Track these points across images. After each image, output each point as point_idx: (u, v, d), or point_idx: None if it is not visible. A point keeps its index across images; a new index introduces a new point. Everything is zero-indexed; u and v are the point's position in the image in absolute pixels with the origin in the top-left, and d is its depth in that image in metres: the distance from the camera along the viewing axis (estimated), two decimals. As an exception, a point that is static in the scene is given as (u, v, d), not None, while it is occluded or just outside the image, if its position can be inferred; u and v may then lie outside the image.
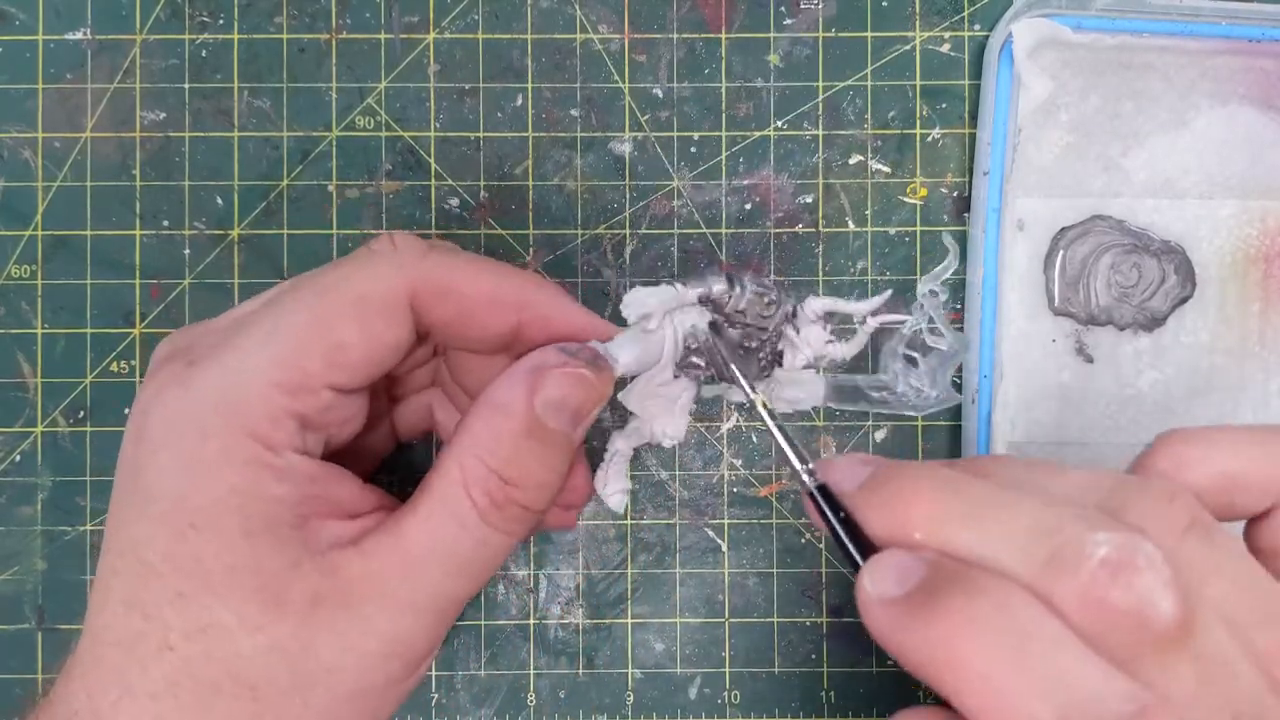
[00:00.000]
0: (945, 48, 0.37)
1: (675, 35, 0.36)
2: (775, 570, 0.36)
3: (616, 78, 0.36)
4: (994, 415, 0.35)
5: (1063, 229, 0.36)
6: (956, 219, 0.37)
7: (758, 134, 0.36)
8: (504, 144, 0.36)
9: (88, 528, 0.36)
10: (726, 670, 0.36)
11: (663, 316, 0.29)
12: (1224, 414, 0.36)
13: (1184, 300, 0.36)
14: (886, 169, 0.36)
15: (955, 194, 0.37)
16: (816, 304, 0.32)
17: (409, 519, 0.25)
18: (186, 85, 0.36)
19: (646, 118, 0.36)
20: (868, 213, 0.36)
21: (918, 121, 0.36)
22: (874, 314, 0.34)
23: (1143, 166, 0.36)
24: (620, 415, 0.36)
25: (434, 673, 0.36)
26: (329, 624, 0.24)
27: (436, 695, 0.36)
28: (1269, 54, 0.35)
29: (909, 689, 0.36)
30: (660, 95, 0.36)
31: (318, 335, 0.25)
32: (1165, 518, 0.21)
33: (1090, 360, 0.36)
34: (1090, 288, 0.36)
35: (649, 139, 0.36)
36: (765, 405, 0.27)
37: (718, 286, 0.30)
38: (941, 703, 0.21)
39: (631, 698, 0.36)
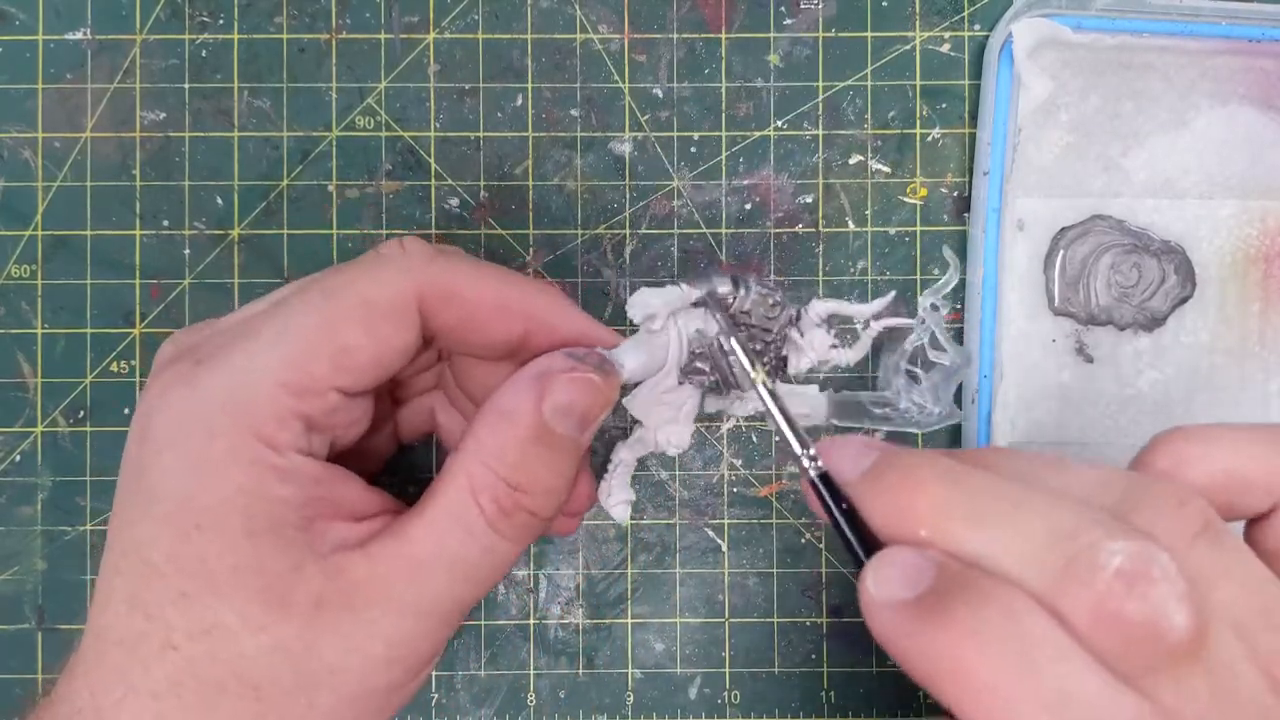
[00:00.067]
0: (945, 48, 0.37)
1: (675, 35, 0.36)
2: (775, 570, 0.36)
3: (616, 78, 0.36)
4: (994, 415, 0.35)
5: (1063, 229, 0.36)
6: (956, 219, 0.37)
7: (758, 134, 0.36)
8: (504, 144, 0.36)
9: (88, 528, 0.36)
10: (726, 670, 0.36)
11: (667, 317, 0.29)
12: (1224, 414, 0.36)
13: (1184, 300, 0.36)
14: (886, 169, 0.36)
15: (955, 194, 0.37)
16: (820, 307, 0.32)
17: (415, 524, 0.25)
18: (186, 85, 0.36)
19: (646, 118, 0.36)
20: (868, 213, 0.36)
21: (918, 121, 0.36)
22: (877, 317, 0.34)
23: (1143, 166, 0.36)
24: (621, 420, 0.36)
25: (434, 673, 0.36)
26: (333, 626, 0.24)
27: (436, 695, 0.36)
28: (1269, 54, 0.35)
29: (909, 690, 0.36)
30: (660, 95, 0.36)
31: (325, 338, 0.25)
32: (1177, 522, 0.20)
33: (1090, 360, 0.36)
34: (1090, 288, 0.36)
35: (649, 139, 0.36)
36: (765, 384, 0.26)
37: (723, 288, 0.30)
38: (942, 710, 0.20)
39: (631, 698, 0.36)
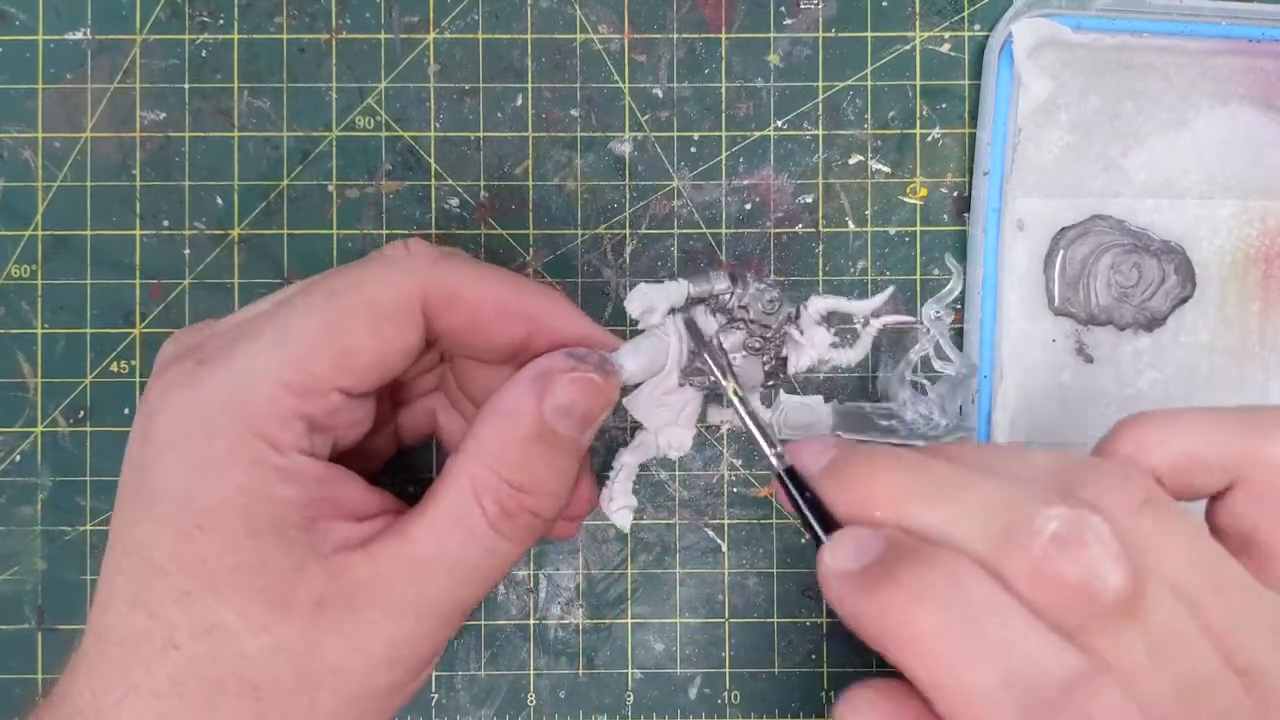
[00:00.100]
0: (945, 48, 0.37)
1: (675, 35, 0.36)
2: (775, 570, 0.36)
3: (616, 78, 0.36)
4: (994, 415, 0.35)
5: (1063, 229, 0.36)
6: (956, 219, 0.37)
7: (758, 134, 0.36)
8: (504, 144, 0.36)
9: (88, 528, 0.36)
10: (726, 670, 0.36)
11: (666, 311, 0.29)
12: (1224, 414, 0.36)
13: (1184, 300, 0.36)
14: (886, 169, 0.36)
15: (955, 194, 0.37)
16: (819, 304, 0.32)
17: (417, 524, 0.25)
18: (186, 85, 0.36)
19: (646, 118, 0.36)
20: (868, 213, 0.36)
21: (918, 121, 0.36)
22: (876, 314, 0.34)
23: (1143, 166, 0.36)
24: (621, 422, 0.36)
25: (434, 673, 0.36)
26: (334, 626, 0.24)
27: (436, 695, 0.36)
28: (1269, 54, 0.35)
29: (909, 689, 0.36)
30: (660, 95, 0.36)
31: (328, 338, 0.25)
32: (1120, 495, 0.22)
33: (1090, 360, 0.36)
34: (1090, 288, 0.36)
35: (649, 139, 0.36)
36: (736, 392, 0.28)
37: (720, 284, 0.30)
38: (896, 675, 0.21)
39: (631, 698, 0.36)
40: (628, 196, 0.36)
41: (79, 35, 0.36)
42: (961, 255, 0.36)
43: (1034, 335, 0.36)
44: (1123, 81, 0.36)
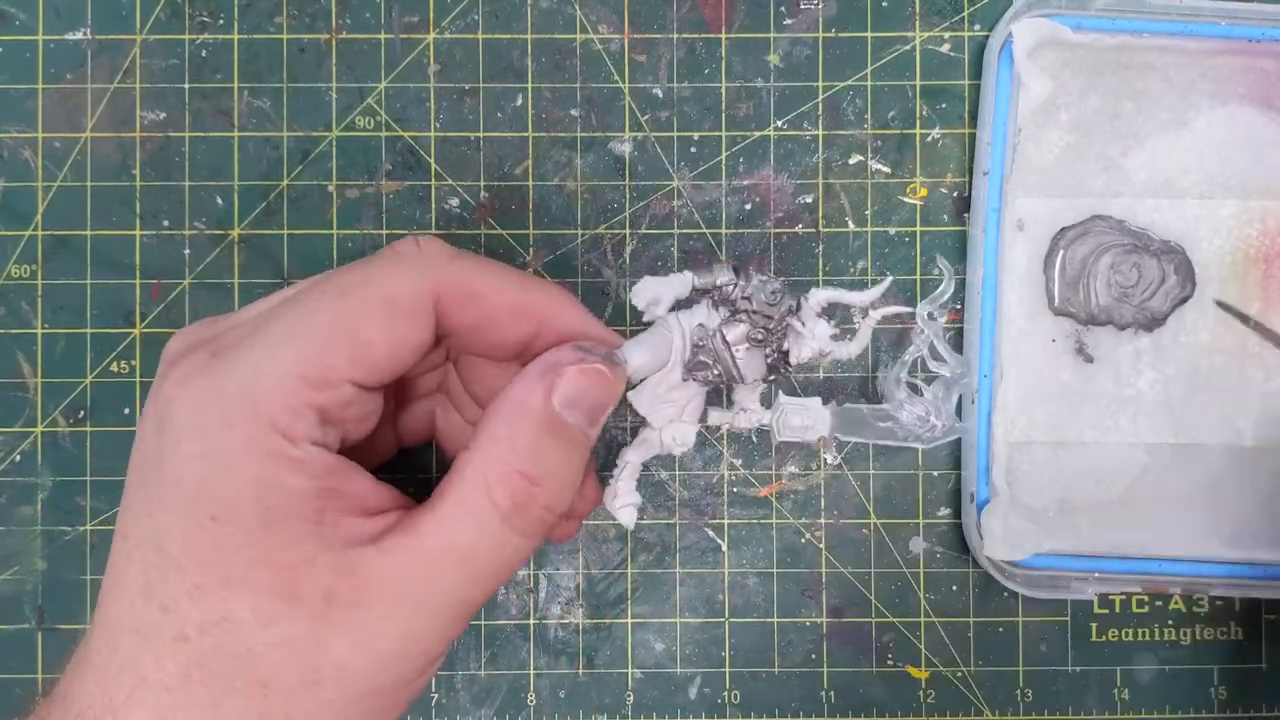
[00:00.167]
0: (945, 48, 0.37)
1: (675, 35, 0.36)
2: (775, 570, 0.36)
3: (616, 78, 0.36)
4: (994, 415, 0.35)
5: (1063, 229, 0.36)
6: (956, 219, 0.37)
7: (758, 134, 0.36)
8: (504, 144, 0.36)
9: (88, 528, 0.36)
10: (726, 670, 0.36)
11: (671, 303, 0.30)
12: (1224, 414, 0.36)
13: (1184, 300, 0.36)
14: (886, 169, 0.36)
15: (955, 194, 0.37)
16: (820, 295, 0.32)
17: (427, 519, 0.25)
18: (186, 85, 0.36)
19: (646, 118, 0.36)
20: (868, 213, 0.36)
21: (918, 121, 0.36)
22: (874, 306, 0.34)
23: (1143, 166, 0.36)
24: (621, 422, 0.36)
25: (434, 672, 0.36)
26: (343, 621, 0.24)
27: (436, 695, 0.36)
28: (1269, 54, 0.35)
29: (909, 690, 0.36)
30: (660, 95, 0.36)
31: (344, 331, 0.25)
32: None
33: (1090, 360, 0.36)
34: (1090, 288, 0.36)
35: (649, 139, 0.36)
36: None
37: (724, 276, 0.30)
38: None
39: (631, 698, 0.36)
40: (628, 196, 0.36)
41: (79, 35, 0.36)
42: (962, 255, 0.36)
43: (1034, 335, 0.36)
44: (1123, 81, 0.36)
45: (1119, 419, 0.36)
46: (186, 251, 0.36)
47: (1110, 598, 0.36)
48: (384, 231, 0.36)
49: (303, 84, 0.36)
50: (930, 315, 0.34)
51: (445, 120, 0.36)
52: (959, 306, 0.36)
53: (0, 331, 0.36)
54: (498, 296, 0.27)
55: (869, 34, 0.36)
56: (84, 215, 0.36)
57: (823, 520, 0.36)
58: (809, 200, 0.36)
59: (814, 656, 0.36)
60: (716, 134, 0.36)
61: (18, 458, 0.36)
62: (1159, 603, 0.36)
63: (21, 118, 0.36)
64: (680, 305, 0.30)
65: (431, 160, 0.36)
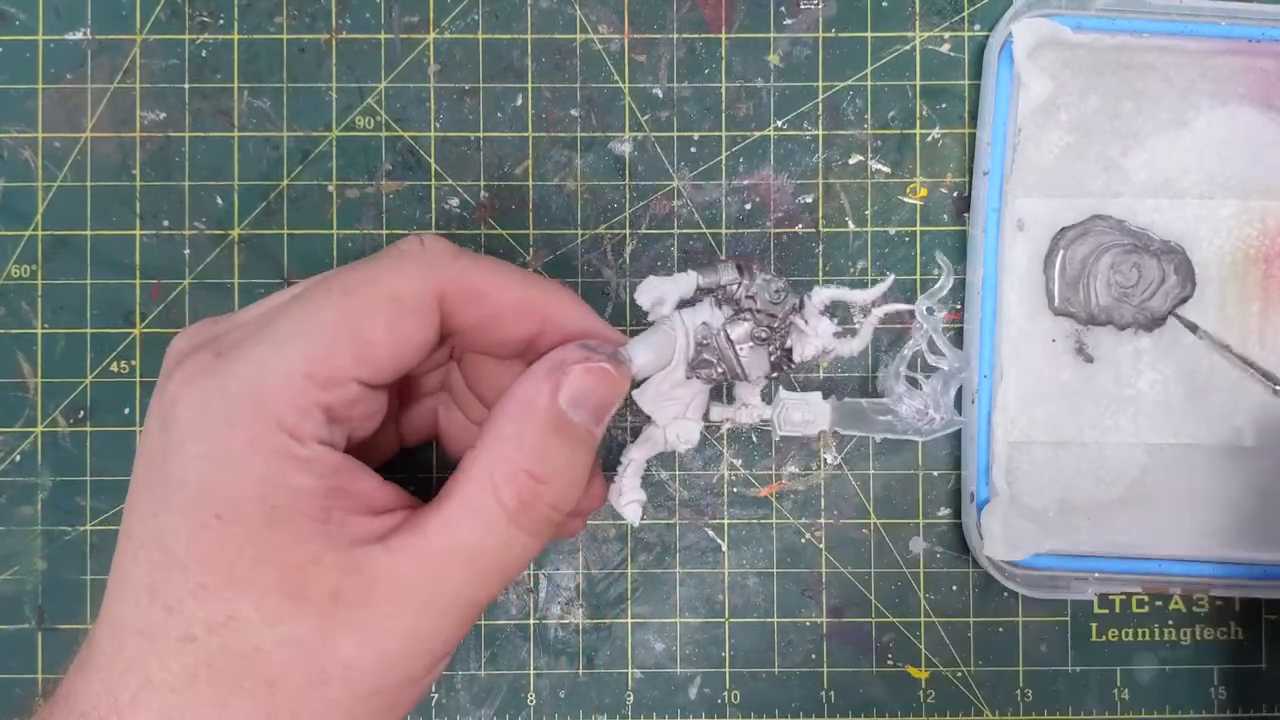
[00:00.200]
0: (945, 48, 0.37)
1: (675, 35, 0.36)
2: (775, 570, 0.36)
3: (616, 78, 0.36)
4: (994, 415, 0.35)
5: (1063, 229, 0.36)
6: (956, 219, 0.37)
7: (758, 134, 0.36)
8: (504, 144, 0.36)
9: (88, 528, 0.36)
10: (726, 670, 0.36)
11: (675, 302, 0.30)
12: (1224, 414, 0.36)
13: (1184, 300, 0.36)
14: (886, 169, 0.36)
15: (955, 194, 0.37)
16: (823, 294, 0.32)
17: (433, 519, 0.25)
18: (186, 85, 0.36)
19: (646, 118, 0.36)
20: (868, 213, 0.36)
21: (918, 121, 0.36)
22: (876, 304, 0.34)
23: (1143, 166, 0.36)
24: (622, 421, 0.36)
25: (434, 673, 0.36)
26: (349, 620, 0.24)
27: (436, 695, 0.36)
28: (1269, 54, 0.35)
29: (909, 690, 0.36)
30: (660, 95, 0.36)
31: (349, 331, 0.25)
32: None
33: (1090, 360, 0.36)
34: (1090, 288, 0.36)
35: (649, 139, 0.36)
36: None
37: (728, 275, 0.30)
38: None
39: (631, 698, 0.36)
40: (628, 196, 0.36)
41: (79, 35, 0.36)
42: (962, 255, 0.36)
43: (1034, 335, 0.36)
44: (1123, 81, 0.36)
45: (1119, 419, 0.36)
46: (186, 251, 0.36)
47: (1110, 598, 0.36)
48: (384, 231, 0.36)
49: (303, 84, 0.36)
50: (929, 310, 0.34)
51: (445, 120, 0.36)
52: (959, 306, 0.36)
53: (0, 331, 0.36)
54: (501, 295, 0.27)
55: (869, 34, 0.36)
56: (84, 215, 0.36)
57: (823, 520, 0.36)
58: (809, 200, 0.36)
59: (814, 656, 0.36)
60: (716, 134, 0.36)
61: (18, 458, 0.36)
62: (1159, 603, 0.36)
63: (21, 118, 0.36)
64: (684, 304, 0.30)
65: (431, 160, 0.36)
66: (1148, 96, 0.36)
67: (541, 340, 0.28)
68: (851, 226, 0.36)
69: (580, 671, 0.36)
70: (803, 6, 0.36)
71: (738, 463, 0.36)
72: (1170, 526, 0.36)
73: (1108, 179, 0.36)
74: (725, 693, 0.36)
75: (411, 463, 0.36)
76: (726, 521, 0.36)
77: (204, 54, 0.36)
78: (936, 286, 0.34)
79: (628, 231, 0.36)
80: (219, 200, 0.36)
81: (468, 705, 0.36)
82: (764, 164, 0.36)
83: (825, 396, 0.34)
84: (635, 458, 0.31)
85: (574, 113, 0.36)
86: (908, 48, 0.36)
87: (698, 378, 0.30)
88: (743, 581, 0.36)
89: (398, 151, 0.36)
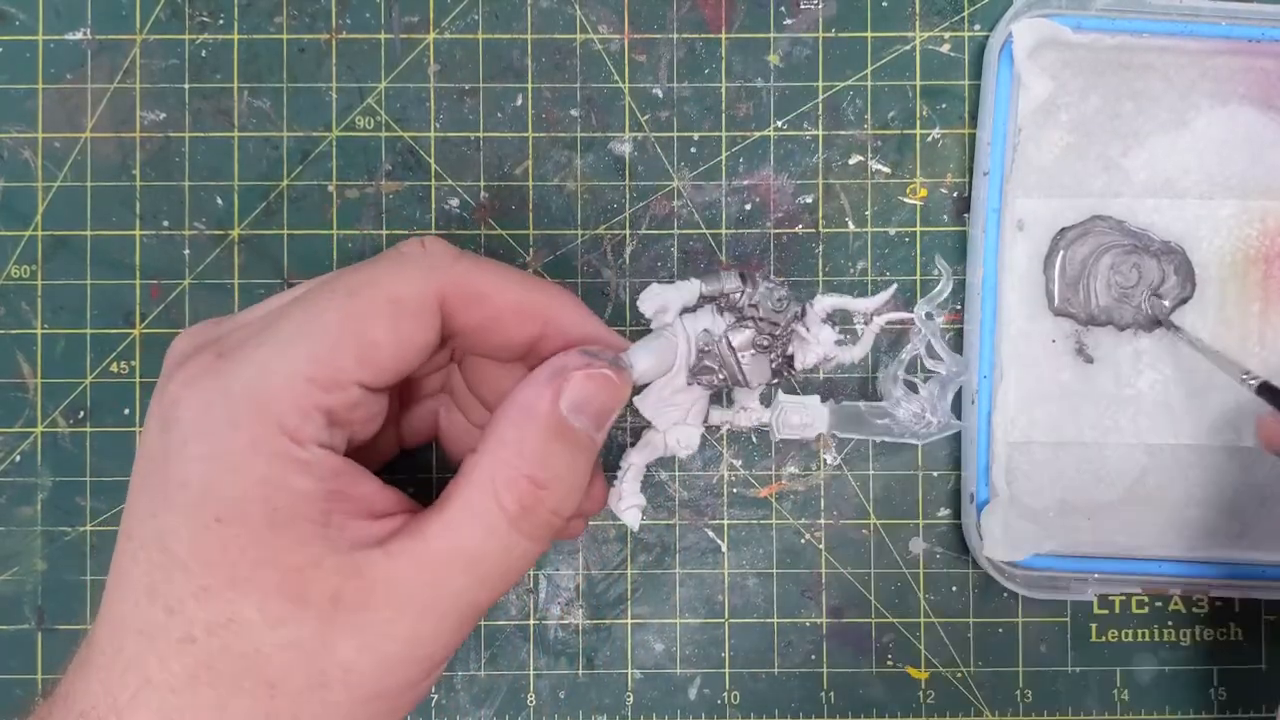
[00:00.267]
0: (945, 48, 0.36)
1: (675, 35, 0.36)
2: (775, 570, 0.36)
3: (616, 78, 0.36)
4: (994, 416, 0.35)
5: (1063, 229, 0.36)
6: (956, 219, 0.37)
7: (758, 134, 0.36)
8: (504, 144, 0.36)
9: (88, 528, 0.36)
10: (726, 670, 0.36)
11: (679, 310, 0.30)
12: (1224, 414, 0.36)
13: (1184, 300, 0.36)
14: (886, 169, 0.36)
15: (955, 194, 0.37)
16: (824, 302, 0.32)
17: (434, 523, 0.25)
18: (186, 85, 0.36)
19: (646, 118, 0.36)
20: (868, 213, 0.36)
21: (918, 121, 0.36)
22: (878, 312, 0.34)
23: (1143, 166, 0.36)
24: (622, 423, 0.36)
25: (434, 673, 0.36)
26: (349, 623, 0.24)
27: (436, 695, 0.36)
28: (1269, 54, 0.35)
29: (909, 690, 0.36)
30: (660, 95, 0.36)
31: (351, 333, 0.25)
32: None
33: (1090, 360, 0.36)
34: (1090, 288, 0.36)
35: (649, 139, 0.36)
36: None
37: (731, 283, 0.30)
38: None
39: (631, 698, 0.36)
40: (628, 197, 0.36)
41: (79, 35, 0.36)
42: (962, 256, 0.36)
43: (1034, 335, 0.36)
44: (1123, 81, 0.36)
45: (1119, 419, 0.36)
46: (186, 252, 0.36)
47: (1110, 598, 0.36)
48: (384, 232, 0.36)
49: (303, 84, 0.36)
50: (928, 315, 0.34)
51: (445, 120, 0.36)
52: (958, 307, 0.36)
53: (0, 331, 0.36)
54: (502, 297, 0.27)
55: (869, 34, 0.36)
56: (84, 215, 0.36)
57: (822, 521, 0.36)
58: (809, 200, 0.36)
59: (814, 657, 0.36)
60: (716, 134, 0.36)
61: (18, 458, 0.36)
62: (1159, 603, 0.36)
63: (21, 118, 0.36)
64: (685, 311, 0.30)
65: (431, 160, 0.36)
66: (1148, 96, 0.36)
67: (543, 343, 0.28)
68: (851, 227, 0.36)
69: (580, 672, 0.36)
70: (803, 6, 0.36)
71: (737, 463, 0.36)
72: (1170, 527, 0.36)
73: (1108, 179, 0.36)
74: (725, 693, 0.36)
75: (411, 464, 0.36)
76: (726, 522, 0.36)
77: (204, 54, 0.36)
78: (935, 291, 0.34)
79: (628, 232, 0.36)
80: (219, 200, 0.36)
81: (467, 706, 0.36)
82: (764, 164, 0.36)
83: (824, 399, 0.34)
84: (635, 462, 0.31)
85: (574, 113, 0.36)
86: (908, 48, 0.36)
87: (699, 384, 0.30)
88: (742, 582, 0.36)
89: (398, 152, 0.36)
